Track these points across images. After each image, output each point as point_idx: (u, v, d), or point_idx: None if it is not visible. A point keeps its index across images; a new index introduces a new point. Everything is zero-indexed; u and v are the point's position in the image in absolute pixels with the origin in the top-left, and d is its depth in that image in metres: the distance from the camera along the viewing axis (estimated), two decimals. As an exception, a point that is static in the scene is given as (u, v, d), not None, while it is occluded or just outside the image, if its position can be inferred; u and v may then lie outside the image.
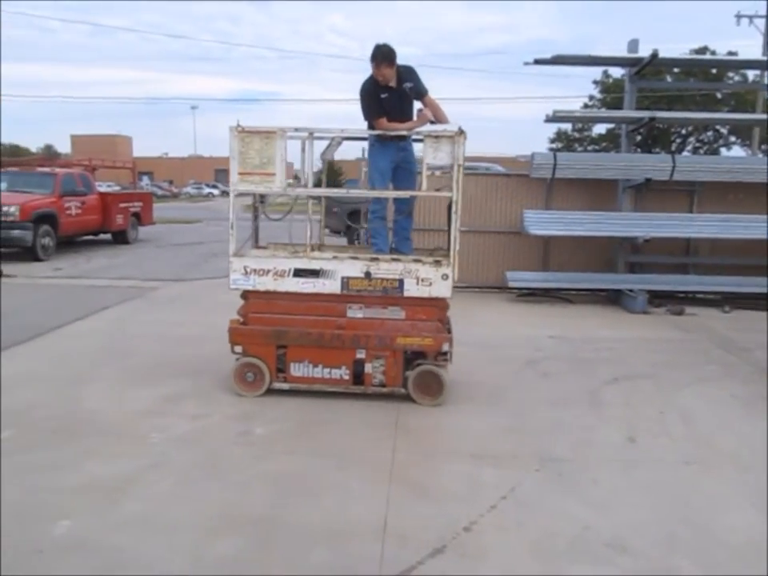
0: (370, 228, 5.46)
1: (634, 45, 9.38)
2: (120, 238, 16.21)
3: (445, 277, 4.68)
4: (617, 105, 24.89)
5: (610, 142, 30.23)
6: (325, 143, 5.24)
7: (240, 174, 4.70)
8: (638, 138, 23.03)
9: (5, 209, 11.71)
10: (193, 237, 18.52)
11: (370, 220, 5.45)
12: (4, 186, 13.10)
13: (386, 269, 4.72)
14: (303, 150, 4.89)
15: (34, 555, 2.82)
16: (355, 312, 4.81)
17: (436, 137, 4.56)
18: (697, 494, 3.52)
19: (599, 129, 32.08)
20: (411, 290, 4.71)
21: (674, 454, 4.02)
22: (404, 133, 5.12)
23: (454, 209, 4.61)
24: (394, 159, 5.34)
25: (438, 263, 4.72)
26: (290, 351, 4.87)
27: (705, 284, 9.20)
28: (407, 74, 5.20)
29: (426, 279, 4.70)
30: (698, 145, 31.38)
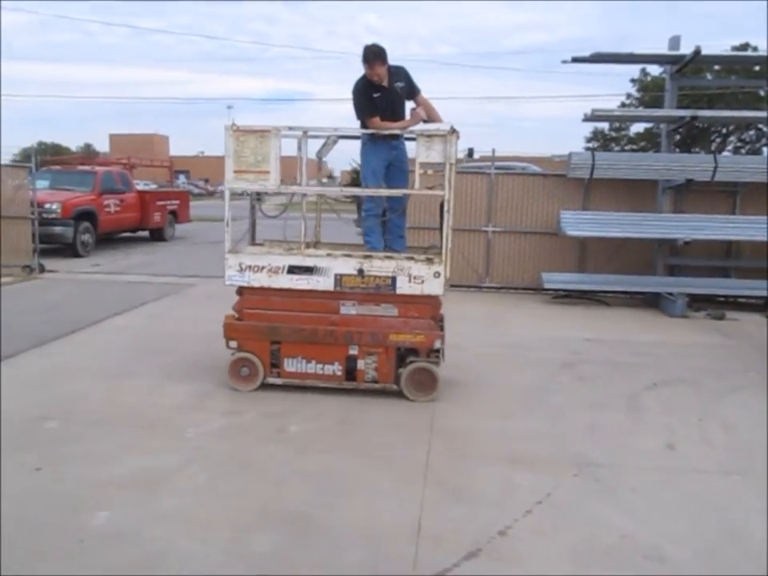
0: (363, 226, 5.48)
1: (675, 42, 9.21)
2: (157, 235, 16.47)
3: (437, 275, 4.71)
4: (654, 103, 24.46)
5: (648, 141, 29.72)
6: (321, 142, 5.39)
7: (235, 171, 4.78)
8: (677, 137, 22.63)
9: (47, 206, 11.97)
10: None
11: (364, 218, 5.45)
12: (46, 184, 13.39)
13: (379, 266, 4.76)
14: (299, 148, 4.94)
15: (75, 544, 2.87)
16: (348, 309, 4.85)
17: (428, 136, 4.60)
18: (737, 505, 3.43)
19: (637, 128, 31.58)
20: (403, 287, 4.74)
21: (714, 464, 3.93)
22: (396, 132, 5.14)
23: (446, 207, 4.64)
24: (386, 158, 5.33)
25: (430, 261, 4.75)
26: (284, 347, 4.93)
27: (746, 288, 8.99)
28: (399, 73, 5.23)
29: (419, 277, 4.72)
30: (738, 144, 30.65)
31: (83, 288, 9.44)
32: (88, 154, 51.70)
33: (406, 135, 5.20)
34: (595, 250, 9.53)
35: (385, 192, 5.24)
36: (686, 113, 9.15)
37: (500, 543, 2.97)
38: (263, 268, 4.86)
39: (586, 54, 9.09)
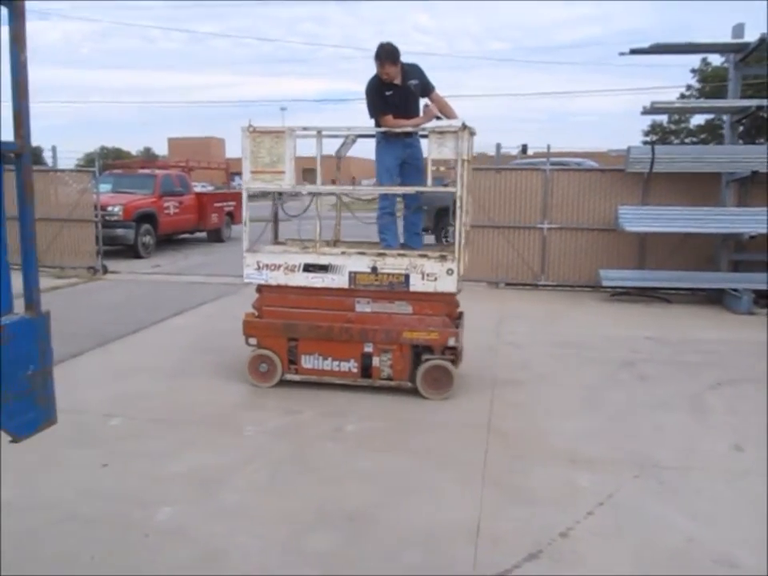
0: (378, 224, 5.48)
1: (738, 30, 8.88)
2: (214, 236, 16.79)
3: (450, 272, 4.67)
4: (716, 94, 23.66)
5: (709, 133, 28.82)
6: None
7: (252, 172, 4.86)
8: (741, 128, 21.84)
9: (110, 209, 12.34)
10: (283, 234, 18.90)
11: (379, 216, 5.45)
12: (109, 187, 13.82)
13: (392, 264, 4.76)
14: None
15: (141, 539, 2.95)
16: (363, 306, 4.87)
17: (440, 132, 4.60)
18: (813, 509, 3.29)
19: (697, 120, 30.67)
20: (417, 284, 4.72)
21: (786, 466, 3.78)
22: (410, 129, 5.10)
23: (458, 204, 4.60)
24: (400, 156, 5.30)
25: (443, 258, 4.72)
26: (301, 344, 4.98)
27: (817, 284, 8.59)
28: (412, 71, 5.24)
29: (432, 274, 4.69)
30: (806, 135, 29.41)
31: (144, 288, 9.70)
32: (148, 157, 53.11)
33: (420, 133, 5.16)
34: (655, 246, 9.27)
35: (398, 189, 5.26)
36: (751, 103, 8.82)
37: (561, 545, 2.92)
38: (280, 266, 4.94)
39: (644, 45, 8.86)
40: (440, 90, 5.35)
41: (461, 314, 5.17)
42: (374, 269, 4.77)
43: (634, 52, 8.82)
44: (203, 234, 16.77)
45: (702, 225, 8.52)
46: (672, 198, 9.09)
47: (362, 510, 3.22)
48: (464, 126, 4.54)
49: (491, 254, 9.66)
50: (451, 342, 4.77)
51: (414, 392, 4.92)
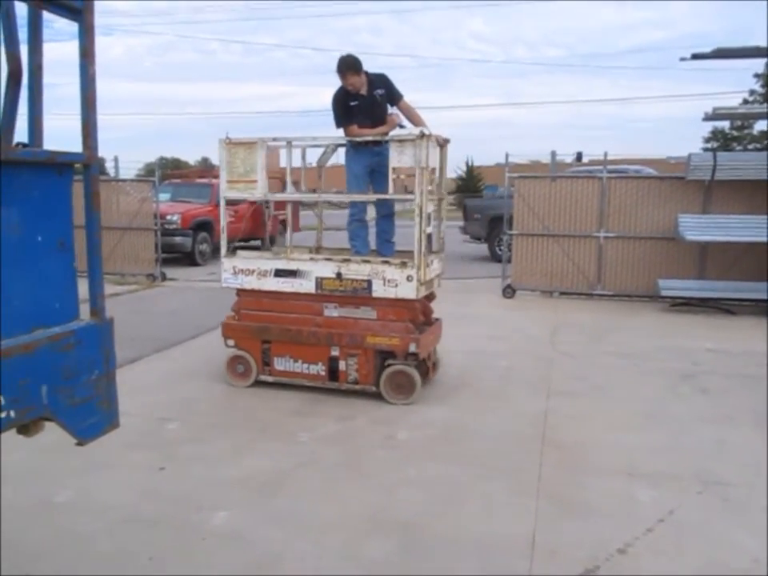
0: (348, 231, 5.58)
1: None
2: (269, 244, 17.01)
3: (410, 278, 4.74)
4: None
5: (774, 139, 27.83)
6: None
7: (228, 182, 5.09)
8: (809, 134, 21.01)
9: (168, 217, 12.66)
10: (336, 242, 19.06)
11: (349, 223, 5.54)
12: (168, 196, 14.18)
13: (356, 270, 4.88)
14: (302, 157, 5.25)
15: (198, 542, 3.00)
16: (331, 311, 5.01)
17: (400, 141, 4.71)
18: None
19: (761, 126, 29.63)
20: (378, 290, 4.83)
21: None
22: (372, 138, 5.11)
23: (417, 212, 4.69)
24: (368, 164, 5.35)
25: (404, 265, 4.79)
26: (274, 346, 5.17)
27: None
28: (379, 81, 5.34)
29: (392, 280, 4.79)
30: None
31: (201, 295, 9.90)
32: (205, 167, 54.29)
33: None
34: (717, 256, 8.98)
35: (360, 197, 5.35)
36: (820, 107, 8.49)
37: (619, 561, 2.84)
38: (253, 271, 5.14)
39: (706, 50, 8.65)
40: (493, 98, 5.37)
41: (436, 320, 5.35)
42: (339, 274, 4.91)
43: (695, 57, 8.61)
44: (258, 242, 17.01)
45: (766, 234, 8.21)
46: (734, 206, 8.80)
47: (415, 519, 3.20)
48: (422, 135, 4.62)
49: (546, 262, 9.53)
50: (412, 348, 4.81)
51: (465, 404, 4.89)
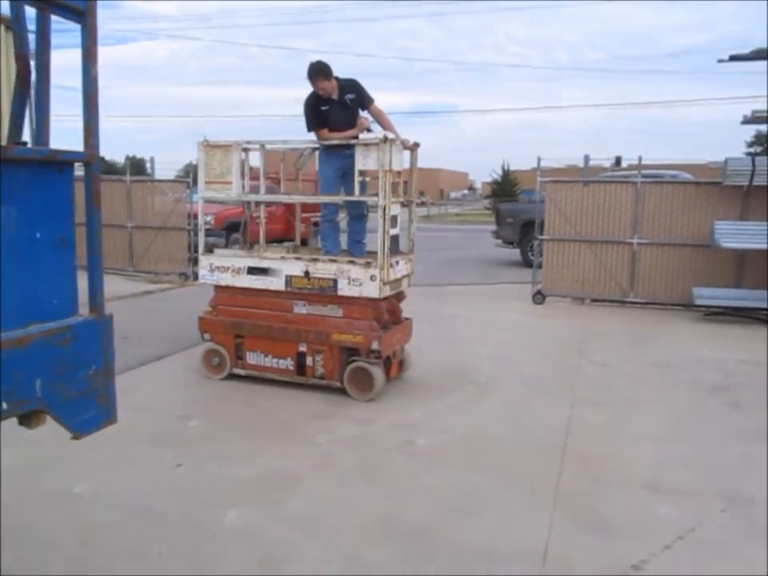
0: (320, 231, 5.76)
1: None
2: (301, 245, 17.13)
3: (373, 278, 4.87)
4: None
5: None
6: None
7: (206, 182, 5.34)
8: None
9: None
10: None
11: (321, 223, 5.72)
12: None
13: (323, 269, 5.04)
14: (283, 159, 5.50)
15: (208, 539, 3.01)
16: (300, 308, 5.17)
17: (365, 145, 4.89)
18: None
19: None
20: (344, 289, 4.98)
21: None
22: (338, 142, 5.23)
23: (380, 213, 4.81)
24: (340, 167, 5.43)
25: (368, 265, 4.93)
26: (246, 341, 5.36)
27: None
28: (349, 86, 5.48)
29: (357, 279, 4.93)
30: None
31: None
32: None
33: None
34: (755, 264, 8.72)
35: (325, 199, 5.53)
36: None
37: (634, 578, 2.76)
38: (228, 268, 5.32)
39: (745, 51, 8.42)
40: (532, 102, 5.40)
41: (406, 319, 5.51)
42: (307, 273, 5.06)
43: (733, 59, 8.40)
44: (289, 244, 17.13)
45: (808, 243, 7.96)
46: (774, 213, 8.55)
47: (426, 526, 3.16)
48: (385, 139, 4.77)
49: (577, 268, 9.38)
50: (374, 346, 4.92)
51: (488, 410, 4.83)
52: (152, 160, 12.02)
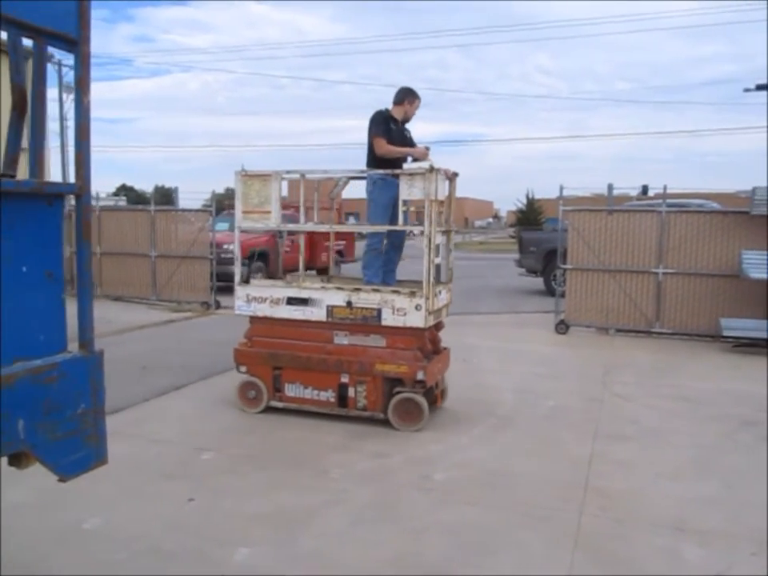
0: (363, 260, 5.76)
1: None
2: (324, 274, 17.15)
3: (418, 307, 4.83)
4: None
5: None
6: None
7: (243, 212, 5.33)
8: None
9: (225, 246, 12.90)
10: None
11: (365, 252, 5.69)
12: (227, 226, 14.46)
13: (366, 299, 4.98)
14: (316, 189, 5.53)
15: (215, 579, 2.93)
16: (341, 339, 5.09)
17: (410, 174, 4.90)
18: None
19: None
20: (388, 319, 4.91)
21: None
22: (400, 155, 5.40)
23: (425, 243, 4.82)
24: (394, 195, 5.28)
25: (413, 294, 4.89)
26: (285, 373, 5.25)
27: None
28: (407, 122, 5.78)
29: (402, 309, 4.87)
30: None
31: (252, 324, 9.96)
32: (267, 198, 55.42)
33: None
34: (785, 295, 8.51)
35: (366, 228, 5.66)
36: None
37: (659, 626, 2.63)
38: (266, 299, 5.26)
39: (773, 80, 8.32)
40: (559, 131, 5.53)
41: (444, 348, 5.48)
42: (350, 303, 5.00)
43: (760, 88, 8.30)
44: (312, 272, 17.17)
45: (840, 273, 7.76)
46: (805, 242, 8.35)
47: (441, 565, 3.06)
48: (431, 168, 4.79)
49: (601, 298, 9.23)
50: (420, 376, 4.86)
51: (508, 444, 4.72)
52: (176, 190, 12.17)
